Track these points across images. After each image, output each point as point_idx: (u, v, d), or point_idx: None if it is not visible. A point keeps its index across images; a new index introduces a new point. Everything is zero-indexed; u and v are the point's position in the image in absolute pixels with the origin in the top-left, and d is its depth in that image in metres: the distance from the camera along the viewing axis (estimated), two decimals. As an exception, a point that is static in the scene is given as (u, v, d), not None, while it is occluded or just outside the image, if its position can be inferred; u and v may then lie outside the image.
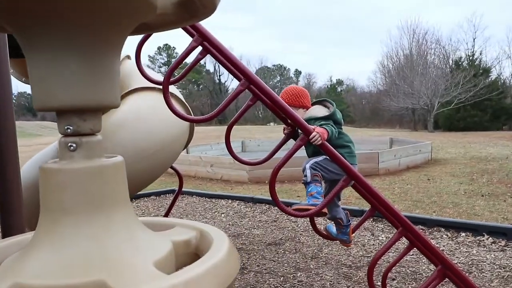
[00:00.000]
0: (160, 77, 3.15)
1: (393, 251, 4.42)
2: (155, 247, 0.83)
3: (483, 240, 4.72)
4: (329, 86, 69.85)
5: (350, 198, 7.55)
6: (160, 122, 3.70)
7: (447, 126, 35.35)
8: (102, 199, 0.78)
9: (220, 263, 0.74)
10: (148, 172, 3.71)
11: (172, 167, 4.49)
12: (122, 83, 4.02)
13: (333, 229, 3.18)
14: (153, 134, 3.62)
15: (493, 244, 4.58)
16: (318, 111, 2.88)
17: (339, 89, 69.06)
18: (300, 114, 2.81)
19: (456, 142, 17.90)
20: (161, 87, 2.45)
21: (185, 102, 4.11)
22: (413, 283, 3.68)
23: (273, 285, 3.77)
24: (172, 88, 4.24)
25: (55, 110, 0.81)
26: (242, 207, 6.92)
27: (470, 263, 4.11)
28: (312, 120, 2.78)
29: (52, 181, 0.77)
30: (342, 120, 2.94)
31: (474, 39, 40.24)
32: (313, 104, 3.01)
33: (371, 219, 5.65)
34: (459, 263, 4.11)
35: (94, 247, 0.74)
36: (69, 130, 0.79)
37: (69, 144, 0.79)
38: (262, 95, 2.58)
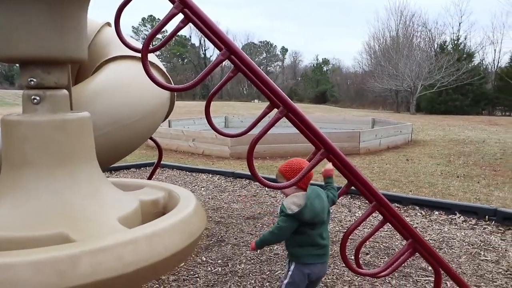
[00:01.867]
0: (140, 45, 3.09)
1: (368, 227, 4.51)
2: (120, 204, 0.83)
3: (455, 218, 4.86)
4: (315, 65, 69.60)
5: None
6: (139, 92, 3.65)
7: (429, 109, 35.79)
8: (66, 154, 0.77)
9: (184, 219, 0.75)
10: (127, 142, 3.67)
11: (151, 138, 4.45)
12: (101, 51, 3.93)
13: None
14: (132, 103, 3.56)
15: (464, 223, 4.72)
16: (291, 203, 2.47)
17: (325, 69, 68.89)
18: (291, 190, 2.55)
19: (436, 124, 18.16)
20: (140, 55, 2.40)
21: (166, 72, 4.05)
22: (385, 258, 3.78)
23: (250, 257, 3.83)
24: (153, 58, 4.17)
25: (18, 61, 0.78)
26: (222, 181, 6.94)
27: (441, 240, 4.24)
28: (281, 209, 2.50)
29: (14, 134, 0.76)
30: (319, 216, 2.49)
31: (460, 24, 40.41)
32: (305, 188, 2.60)
33: (349, 196, 5.74)
34: (430, 239, 4.23)
35: (57, 201, 0.74)
36: (32, 82, 0.78)
37: (33, 97, 0.78)
38: (244, 67, 2.55)
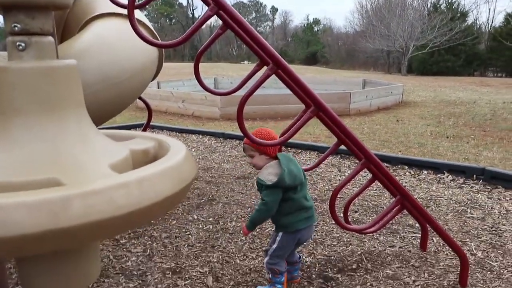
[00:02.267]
0: (126, 1, 2.98)
1: (357, 186, 4.57)
2: (110, 152, 0.82)
3: (443, 177, 4.93)
4: (305, 25, 68.37)
5: (320, 137, 7.66)
6: (127, 50, 3.56)
7: (420, 70, 35.68)
8: (53, 101, 0.75)
9: (175, 166, 0.74)
10: (115, 101, 3.62)
11: (141, 98, 4.39)
12: (87, 8, 3.80)
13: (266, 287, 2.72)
14: (120, 61, 3.48)
15: (452, 182, 4.80)
16: (269, 174, 2.43)
17: (315, 29, 67.76)
18: (261, 161, 2.51)
19: (427, 85, 18.16)
20: (126, 11, 2.31)
21: (153, 30, 3.94)
22: (374, 215, 3.84)
23: (240, 215, 3.87)
24: (140, 15, 4.05)
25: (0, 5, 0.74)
26: (212, 142, 6.93)
27: (428, 198, 4.31)
28: (260, 184, 2.45)
29: (1, 81, 0.73)
30: (298, 178, 2.48)
31: (454, -19, 39.66)
32: (275, 156, 2.55)
33: (339, 156, 5.78)
34: (418, 198, 4.30)
35: (46, 148, 0.72)
36: (16, 28, 0.74)
37: (18, 43, 0.74)
38: (233, 23, 2.48)
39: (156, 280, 2.84)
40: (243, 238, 3.42)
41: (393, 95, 12.15)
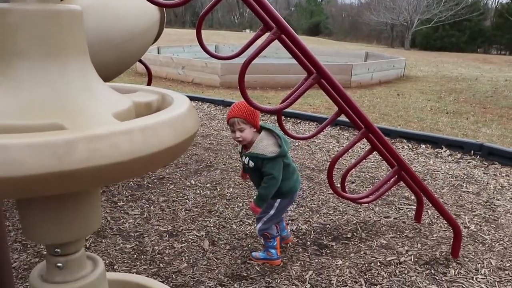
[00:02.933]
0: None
1: (355, 157, 4.58)
2: (114, 102, 0.81)
3: (441, 152, 4.94)
4: (309, -5, 67.01)
5: (319, 108, 7.63)
6: (128, 11, 3.49)
7: (424, 45, 35.22)
8: (57, 45, 0.73)
9: (178, 117, 0.73)
10: (116, 63, 3.57)
11: (141, 61, 4.34)
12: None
13: (259, 254, 2.71)
14: (121, 23, 3.42)
15: (449, 156, 4.81)
16: (266, 146, 2.42)
17: (319, -1, 66.46)
18: (251, 134, 2.44)
19: (430, 60, 17.98)
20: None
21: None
22: (370, 187, 3.87)
23: (238, 182, 3.89)
24: (141, -25, 3.95)
25: None
26: (212, 109, 6.90)
27: (425, 171, 4.33)
28: (260, 159, 2.41)
29: (4, 23, 0.71)
30: (288, 142, 2.52)
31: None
32: (260, 129, 2.52)
33: (338, 128, 5.77)
34: (415, 171, 4.32)
35: (50, 92, 0.71)
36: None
37: (21, -15, 0.72)
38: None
39: (153, 242, 2.88)
40: (240, 204, 3.45)
41: (395, 69, 12.04)
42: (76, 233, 0.86)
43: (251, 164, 2.45)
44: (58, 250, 0.87)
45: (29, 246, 2.82)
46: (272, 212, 2.60)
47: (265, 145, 2.42)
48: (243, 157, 2.51)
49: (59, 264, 0.87)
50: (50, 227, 0.81)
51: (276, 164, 2.44)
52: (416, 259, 2.72)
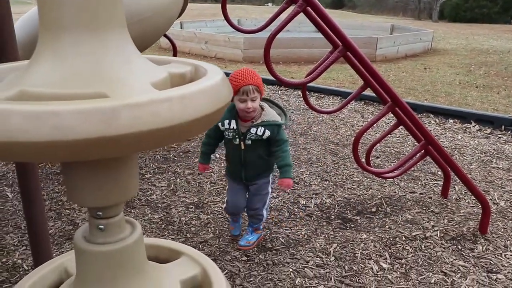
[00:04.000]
0: None
1: (380, 133, 4.54)
2: (151, 72, 0.84)
3: (470, 127, 4.84)
4: (334, -34, 65.16)
5: (344, 82, 7.54)
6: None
7: (453, 17, 34.02)
8: (99, 19, 0.76)
9: (213, 86, 0.75)
10: (141, 37, 3.59)
11: (166, 36, 4.35)
12: None
13: (250, 237, 2.61)
14: (146, -2, 3.44)
15: (478, 132, 4.71)
16: (275, 116, 2.36)
17: (345, -30, 64.59)
18: (258, 104, 2.31)
19: (459, 33, 17.39)
20: None
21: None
22: (395, 161, 3.84)
23: (262, 156, 3.92)
24: None
25: None
26: (235, 84, 6.89)
27: (453, 147, 4.26)
28: (276, 126, 2.33)
29: None
30: None
31: None
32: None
33: (362, 102, 5.70)
34: (443, 146, 4.26)
35: (93, 63, 0.75)
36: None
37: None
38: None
39: (179, 213, 2.95)
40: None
41: (422, 42, 11.71)
42: (117, 197, 0.90)
43: (267, 133, 2.30)
44: (100, 213, 0.91)
45: (63, 214, 2.93)
46: (270, 190, 2.56)
47: (274, 114, 2.37)
48: (251, 130, 2.30)
49: (100, 226, 0.92)
50: (93, 191, 0.85)
51: (283, 131, 2.41)
52: (442, 235, 2.71)
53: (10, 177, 3.49)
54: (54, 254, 2.45)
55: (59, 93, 0.71)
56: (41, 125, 0.62)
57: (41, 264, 2.19)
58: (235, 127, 2.34)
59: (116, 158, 0.82)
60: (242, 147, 2.35)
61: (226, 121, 2.34)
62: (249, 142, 2.33)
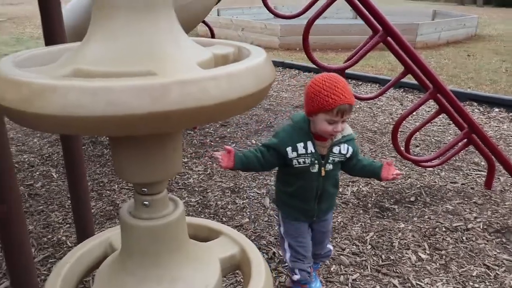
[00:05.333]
0: None
1: (420, 121, 4.42)
2: (197, 52, 0.86)
3: (516, 116, 4.64)
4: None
5: (382, 70, 7.37)
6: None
7: (500, 1, 32.48)
8: (148, 0, 0.79)
9: (257, 66, 0.76)
10: (183, 23, 3.63)
11: (204, 22, 4.39)
12: None
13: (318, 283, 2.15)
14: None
15: (525, 121, 4.51)
16: (349, 128, 1.89)
17: (385, -45, 62.67)
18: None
19: (506, 18, 16.60)
20: None
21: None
22: (435, 151, 3.74)
23: (298, 142, 3.90)
24: None
25: None
26: (272, 71, 6.87)
27: (498, 136, 4.10)
28: (353, 139, 1.88)
29: None
30: None
31: None
32: None
33: (402, 90, 5.56)
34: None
35: (144, 42, 0.79)
36: None
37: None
38: None
39: (216, 197, 2.99)
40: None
41: (466, 28, 11.25)
42: (162, 174, 0.93)
43: (350, 150, 1.85)
44: (146, 189, 0.94)
45: (104, 195, 3.04)
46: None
47: (347, 126, 1.85)
48: (333, 149, 1.81)
49: (145, 202, 0.95)
50: (140, 167, 0.89)
51: None
52: (485, 227, 2.63)
53: (55, 158, 3.64)
54: (96, 233, 2.55)
55: (111, 71, 0.74)
56: (96, 101, 0.65)
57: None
58: (313, 151, 1.78)
59: (163, 135, 0.84)
60: (322, 174, 1.82)
61: (300, 145, 1.77)
62: (330, 166, 1.83)
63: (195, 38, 1.04)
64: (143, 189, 0.94)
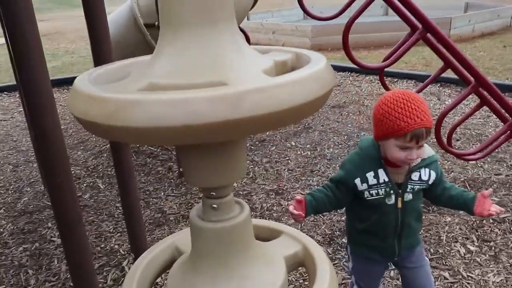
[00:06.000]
0: None
1: (459, 115, 4.35)
2: (260, 60, 0.92)
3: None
4: None
5: (416, 65, 7.27)
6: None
7: (534, -12, 31.27)
8: (213, 14, 0.86)
9: (319, 71, 0.81)
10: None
11: (239, 28, 4.47)
12: None
13: None
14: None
15: None
16: (429, 148, 1.64)
17: None
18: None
19: (542, 5, 15.98)
20: None
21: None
22: (477, 144, 3.68)
23: (337, 142, 3.92)
24: None
25: None
26: (304, 73, 6.90)
27: (542, 127, 3.99)
28: (436, 161, 1.63)
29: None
30: None
31: None
32: None
33: (438, 84, 5.48)
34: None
35: (210, 54, 0.85)
36: None
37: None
38: None
39: (260, 200, 3.05)
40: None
41: (500, 19, 10.92)
42: (229, 178, 0.99)
43: (432, 176, 1.60)
44: (214, 193, 1.00)
45: (151, 203, 3.15)
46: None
47: (426, 146, 1.58)
48: (412, 176, 1.57)
49: (214, 206, 1.01)
50: (210, 172, 0.95)
51: None
52: (533, 217, 2.59)
53: (100, 170, 3.79)
54: (148, 240, 2.65)
55: (183, 83, 0.81)
56: (176, 112, 0.71)
57: (137, 249, 2.39)
58: (386, 179, 1.55)
59: (231, 141, 0.91)
60: (399, 205, 1.57)
61: (370, 175, 1.56)
62: (410, 196, 1.58)
63: (252, 46, 1.11)
64: (211, 193, 1.00)
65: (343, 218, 2.72)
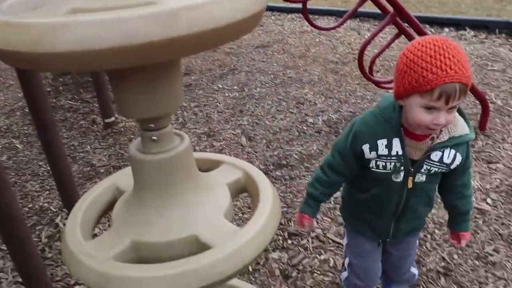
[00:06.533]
0: None
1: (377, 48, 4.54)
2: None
3: (465, 34, 4.85)
4: None
5: (336, 2, 7.37)
6: None
7: None
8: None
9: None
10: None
11: None
12: None
13: None
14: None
15: (474, 37, 4.73)
16: (463, 120, 1.29)
17: None
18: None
19: None
20: None
21: None
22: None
23: (264, 81, 3.95)
24: None
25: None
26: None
27: (450, 54, 4.29)
28: (466, 143, 1.30)
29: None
30: None
31: None
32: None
33: (358, 20, 5.63)
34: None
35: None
36: None
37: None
38: None
39: (193, 143, 3.04)
40: (269, 102, 3.55)
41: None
42: (166, 107, 0.97)
43: (458, 159, 1.29)
44: (152, 125, 0.98)
45: (77, 158, 3.04)
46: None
47: (460, 120, 1.28)
48: (432, 155, 1.28)
49: (154, 138, 0.99)
50: (145, 102, 0.92)
51: None
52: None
53: (16, 129, 3.52)
54: (80, 194, 2.56)
55: (109, 6, 0.76)
56: (110, 32, 0.67)
57: (70, 205, 2.31)
58: (399, 152, 1.27)
59: (166, 67, 0.88)
60: (409, 185, 1.33)
61: (382, 142, 1.28)
62: (423, 178, 1.33)
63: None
64: (150, 125, 0.98)
65: (275, 153, 2.80)
